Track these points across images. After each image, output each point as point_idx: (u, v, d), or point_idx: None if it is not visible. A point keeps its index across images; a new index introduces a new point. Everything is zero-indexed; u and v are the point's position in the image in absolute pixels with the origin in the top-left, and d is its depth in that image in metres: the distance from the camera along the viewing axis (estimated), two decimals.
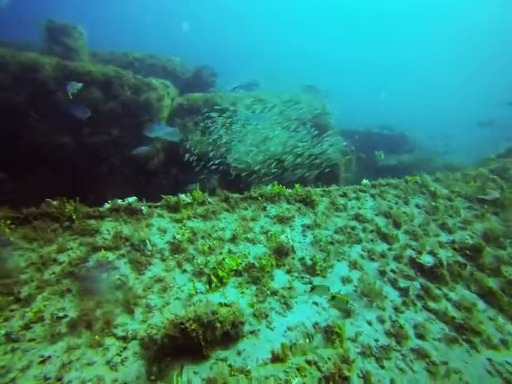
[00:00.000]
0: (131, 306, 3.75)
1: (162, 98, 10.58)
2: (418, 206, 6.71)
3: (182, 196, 5.55)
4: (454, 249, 5.58)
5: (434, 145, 19.05)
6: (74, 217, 4.54)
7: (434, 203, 6.67)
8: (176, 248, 4.70)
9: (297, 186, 6.29)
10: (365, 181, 6.96)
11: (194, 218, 5.35)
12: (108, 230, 4.73)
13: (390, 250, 5.40)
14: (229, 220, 5.46)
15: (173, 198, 5.38)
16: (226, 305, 3.77)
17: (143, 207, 5.11)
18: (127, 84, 9.68)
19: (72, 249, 4.21)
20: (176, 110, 11.20)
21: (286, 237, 5.08)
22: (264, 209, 5.80)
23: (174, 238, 4.75)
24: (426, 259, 5.07)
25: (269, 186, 6.17)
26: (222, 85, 14.97)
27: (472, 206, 6.95)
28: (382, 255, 5.23)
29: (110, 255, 4.32)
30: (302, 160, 9.14)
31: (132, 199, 5.17)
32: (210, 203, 5.59)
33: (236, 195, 5.84)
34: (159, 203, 5.39)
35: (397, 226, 5.97)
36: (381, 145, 18.17)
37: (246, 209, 5.76)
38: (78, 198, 4.67)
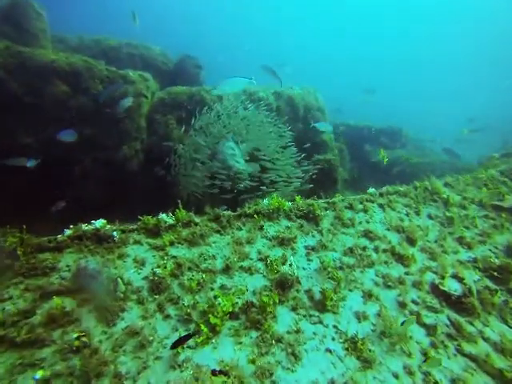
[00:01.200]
0: (91, 379, 2.82)
1: (140, 93, 9.44)
2: (430, 216, 6.00)
3: (163, 216, 4.59)
4: (478, 269, 4.91)
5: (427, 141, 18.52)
6: (20, 252, 3.52)
7: (447, 213, 5.98)
8: (156, 286, 3.78)
9: (297, 198, 5.44)
10: (371, 189, 6.19)
11: (179, 243, 4.42)
12: (68, 266, 3.74)
13: (407, 274, 4.66)
14: (220, 244, 4.56)
15: (151, 220, 4.42)
16: (221, 372, 2.91)
17: (115, 232, 4.13)
18: (99, 76, 8.47)
19: (11, 298, 3.21)
20: (157, 105, 10.08)
21: (290, 265, 4.25)
22: (261, 228, 4.93)
23: (154, 272, 3.81)
24: (452, 286, 4.36)
25: (266, 200, 5.29)
26: (208, 78, 13.79)
27: (488, 214, 6.33)
28: (400, 281, 4.48)
29: (68, 302, 3.35)
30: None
31: (99, 223, 4.18)
32: (196, 224, 4.66)
33: (228, 213, 4.93)
34: (135, 226, 4.41)
35: (411, 242, 5.24)
36: (371, 140, 17.57)
37: (240, 229, 4.87)
38: (25, 227, 3.64)
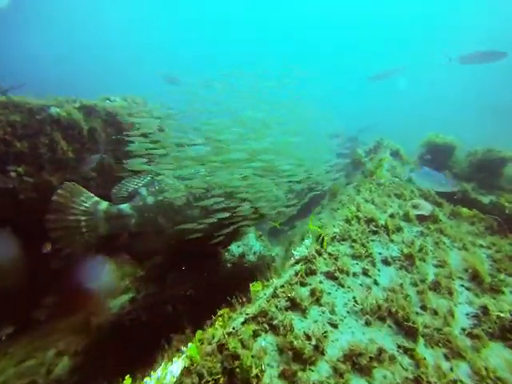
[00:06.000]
0: None
1: None
2: (387, 261, 4.00)
3: None
4: (496, 337, 3.15)
5: None
6: None
7: (405, 249, 4.17)
8: None
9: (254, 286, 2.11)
10: (298, 250, 3.56)
11: None
12: None
13: None
14: None
15: None
16: None
17: None
18: None
19: None
20: None
21: None
22: None
23: None
24: None
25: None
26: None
27: (422, 230, 5.00)
28: None
29: None
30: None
31: None
32: None
33: None
34: None
35: (412, 336, 2.95)
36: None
37: None
38: None
